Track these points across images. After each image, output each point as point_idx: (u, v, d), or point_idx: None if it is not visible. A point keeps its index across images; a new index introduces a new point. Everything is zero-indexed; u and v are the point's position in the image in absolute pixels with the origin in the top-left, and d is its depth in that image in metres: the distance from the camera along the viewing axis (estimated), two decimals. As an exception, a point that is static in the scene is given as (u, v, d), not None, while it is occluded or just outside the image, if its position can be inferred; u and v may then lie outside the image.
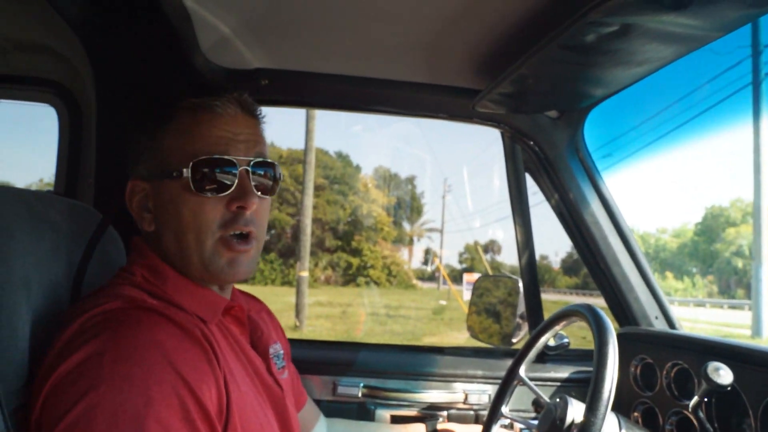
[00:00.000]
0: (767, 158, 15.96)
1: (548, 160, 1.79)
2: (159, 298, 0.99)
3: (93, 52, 1.55)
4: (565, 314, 1.36)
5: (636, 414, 1.73)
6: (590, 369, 1.87)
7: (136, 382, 0.82)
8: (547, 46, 1.11)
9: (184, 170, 1.00)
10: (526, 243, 1.90)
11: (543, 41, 1.11)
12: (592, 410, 1.03)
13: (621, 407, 1.73)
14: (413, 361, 1.89)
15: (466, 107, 1.66)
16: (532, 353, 1.45)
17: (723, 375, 1.18)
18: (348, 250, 31.62)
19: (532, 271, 1.91)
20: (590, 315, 1.21)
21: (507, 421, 1.81)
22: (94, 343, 0.85)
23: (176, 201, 1.02)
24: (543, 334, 1.43)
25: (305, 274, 16.50)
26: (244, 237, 1.05)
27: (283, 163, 27.90)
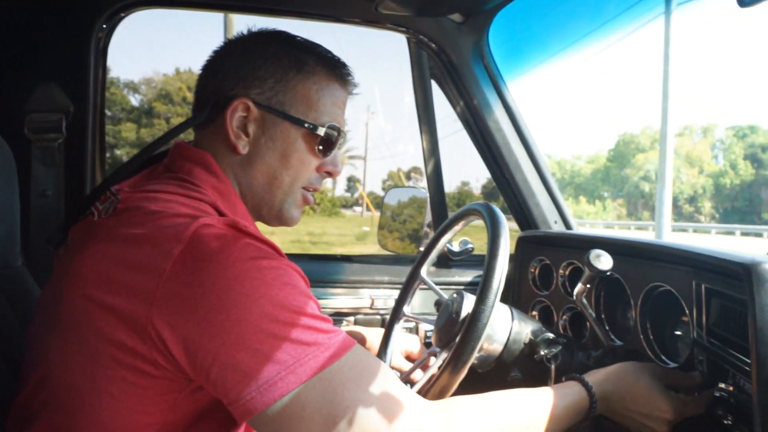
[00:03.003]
0: (675, 86, 16.55)
1: (453, 65, 1.78)
2: None
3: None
4: (464, 214, 1.38)
5: (534, 313, 1.81)
6: (492, 272, 1.95)
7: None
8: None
9: (320, 129, 1.07)
10: (432, 151, 1.91)
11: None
12: (481, 299, 1.06)
13: (520, 306, 1.81)
14: (321, 269, 1.90)
15: (369, 9, 1.62)
16: (433, 254, 1.48)
17: (603, 261, 1.23)
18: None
19: (438, 180, 1.94)
20: (485, 211, 1.23)
21: (412, 324, 1.87)
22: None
23: (290, 143, 1.06)
24: (443, 235, 1.46)
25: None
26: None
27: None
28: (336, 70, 1.11)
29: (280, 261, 0.87)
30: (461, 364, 1.04)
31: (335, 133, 1.10)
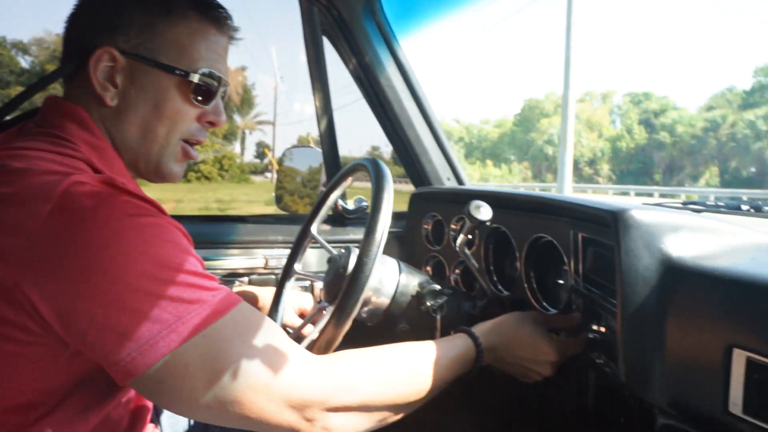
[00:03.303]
0: (577, 54, 17.08)
1: (344, 21, 1.76)
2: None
3: None
4: (351, 170, 1.38)
5: (428, 268, 1.84)
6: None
7: None
8: None
9: (193, 76, 1.01)
10: (324, 109, 1.89)
11: None
12: (364, 251, 1.06)
13: (414, 262, 1.84)
14: (214, 231, 1.86)
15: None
16: (323, 211, 1.47)
17: (483, 212, 1.26)
18: (175, 145, 30.09)
19: (331, 138, 1.92)
20: (371, 166, 1.23)
21: (307, 283, 1.86)
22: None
23: (162, 92, 1.01)
24: (332, 192, 1.45)
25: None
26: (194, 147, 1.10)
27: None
28: (209, 12, 1.05)
29: (161, 218, 0.83)
30: (345, 316, 1.05)
31: (214, 82, 1.05)
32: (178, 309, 0.78)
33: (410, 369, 1.03)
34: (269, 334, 0.87)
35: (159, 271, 0.78)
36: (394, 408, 1.00)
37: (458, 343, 1.11)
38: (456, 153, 1.99)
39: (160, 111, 1.01)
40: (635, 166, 44.85)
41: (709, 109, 43.69)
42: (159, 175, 1.07)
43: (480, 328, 1.17)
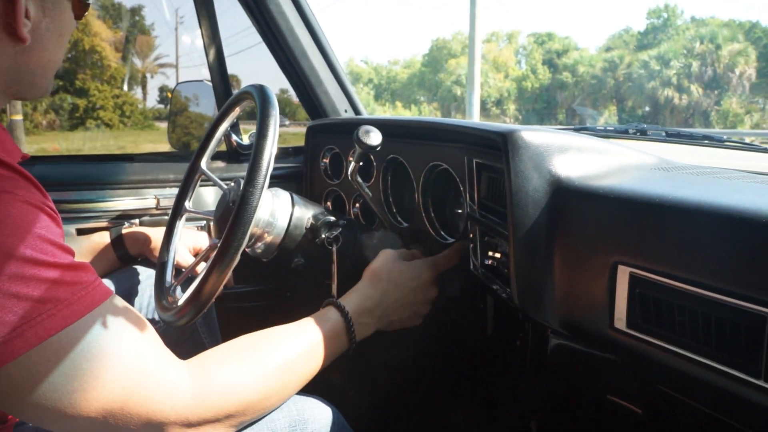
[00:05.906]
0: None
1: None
2: None
3: None
4: (237, 98, 1.30)
5: (328, 203, 1.81)
6: (283, 165, 1.91)
7: None
8: None
9: None
10: (212, 38, 1.78)
11: None
12: (250, 181, 1.01)
13: (313, 198, 1.80)
14: (100, 171, 1.75)
15: None
16: (212, 144, 1.39)
17: (372, 137, 1.22)
18: (72, 91, 28.26)
19: (221, 68, 1.82)
20: (256, 92, 1.16)
21: (203, 223, 1.79)
22: None
23: (65, 21, 0.91)
24: (221, 124, 1.37)
25: (19, 117, 14.60)
26: None
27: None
28: None
29: (12, 195, 0.70)
30: (233, 250, 1.00)
31: None
32: (28, 310, 0.67)
33: (282, 361, 0.94)
34: (135, 341, 0.78)
35: (4, 265, 0.67)
36: (263, 410, 0.92)
37: (327, 318, 1.05)
38: (366, 95, 1.93)
39: (63, 39, 0.92)
40: (540, 106, 45.96)
41: (608, 50, 45.05)
42: (43, 95, 0.96)
43: (351, 303, 1.10)
